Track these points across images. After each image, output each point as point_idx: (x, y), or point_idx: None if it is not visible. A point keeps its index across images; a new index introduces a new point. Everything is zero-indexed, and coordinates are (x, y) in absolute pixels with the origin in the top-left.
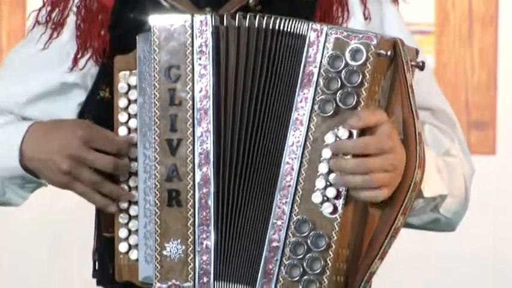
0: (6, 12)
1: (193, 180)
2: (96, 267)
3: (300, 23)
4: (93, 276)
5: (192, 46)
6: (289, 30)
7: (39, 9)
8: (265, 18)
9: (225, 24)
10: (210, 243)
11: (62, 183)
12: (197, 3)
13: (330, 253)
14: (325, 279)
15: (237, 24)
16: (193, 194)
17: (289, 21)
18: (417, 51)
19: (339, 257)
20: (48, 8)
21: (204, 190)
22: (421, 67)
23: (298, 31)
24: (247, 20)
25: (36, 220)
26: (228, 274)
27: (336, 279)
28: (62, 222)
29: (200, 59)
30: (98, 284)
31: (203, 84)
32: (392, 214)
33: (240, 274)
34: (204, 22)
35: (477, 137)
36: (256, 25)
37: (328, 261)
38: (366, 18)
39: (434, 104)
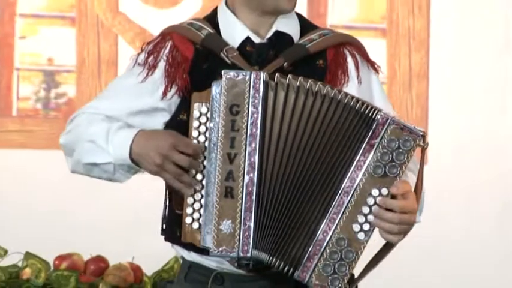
0: (104, 69)
1: (243, 181)
2: (164, 229)
3: (370, 107)
4: (161, 234)
5: (249, 92)
6: (357, 107)
7: (138, 54)
8: (318, 84)
9: (275, 80)
10: (251, 224)
11: (154, 172)
12: (249, 62)
13: (353, 263)
14: (345, 279)
15: (287, 82)
16: (242, 191)
17: (358, 101)
18: (424, 134)
19: (355, 263)
20: (146, 55)
21: (249, 189)
22: (426, 148)
23: (367, 112)
24: (298, 81)
25: (121, 201)
26: (263, 247)
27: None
28: (141, 204)
29: (253, 102)
30: (166, 240)
31: (254, 118)
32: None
33: (274, 250)
34: (258, 77)
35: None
36: (306, 86)
37: (351, 268)
38: (359, 82)
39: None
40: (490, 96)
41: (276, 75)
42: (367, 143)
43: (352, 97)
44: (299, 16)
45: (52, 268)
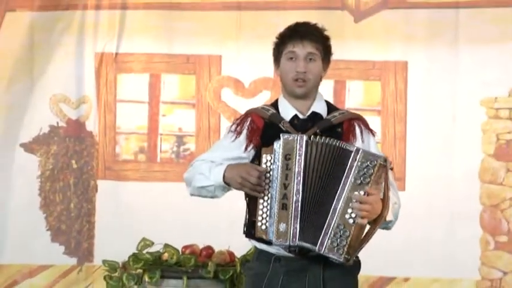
0: (212, 134)
1: (292, 200)
2: (245, 230)
3: (347, 145)
4: (243, 233)
5: (296, 147)
6: (342, 146)
7: (231, 125)
8: (331, 140)
9: (311, 139)
10: (297, 226)
11: (238, 187)
12: (296, 130)
13: (349, 238)
14: (346, 249)
15: (316, 140)
16: (292, 205)
17: (342, 143)
18: (391, 162)
19: (352, 240)
20: (235, 126)
21: (296, 204)
22: (392, 169)
23: (347, 148)
24: (322, 139)
25: (221, 212)
26: (304, 238)
27: (350, 249)
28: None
29: (299, 152)
30: (246, 236)
31: (299, 162)
32: (375, 226)
33: (308, 238)
34: (301, 138)
35: (397, 183)
36: (327, 142)
37: (348, 241)
38: (362, 142)
39: (391, 182)
40: (443, 151)
41: (312, 136)
42: (349, 166)
43: (341, 142)
44: (326, 101)
45: (180, 253)
